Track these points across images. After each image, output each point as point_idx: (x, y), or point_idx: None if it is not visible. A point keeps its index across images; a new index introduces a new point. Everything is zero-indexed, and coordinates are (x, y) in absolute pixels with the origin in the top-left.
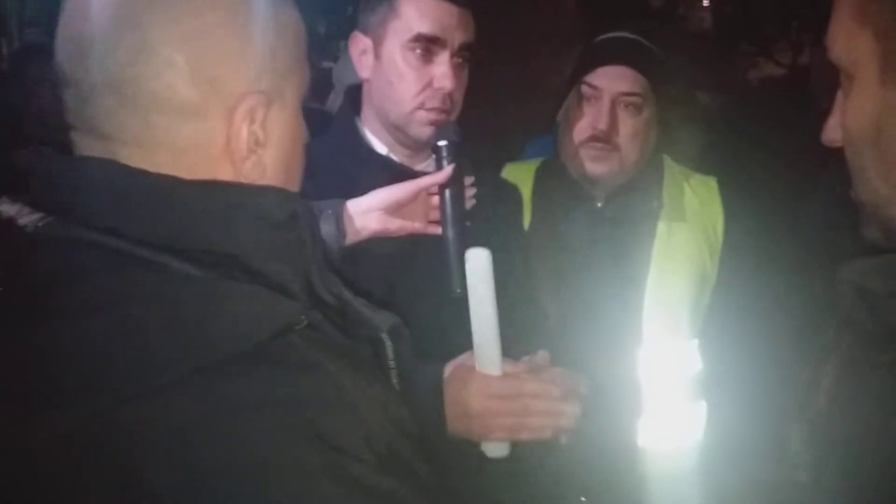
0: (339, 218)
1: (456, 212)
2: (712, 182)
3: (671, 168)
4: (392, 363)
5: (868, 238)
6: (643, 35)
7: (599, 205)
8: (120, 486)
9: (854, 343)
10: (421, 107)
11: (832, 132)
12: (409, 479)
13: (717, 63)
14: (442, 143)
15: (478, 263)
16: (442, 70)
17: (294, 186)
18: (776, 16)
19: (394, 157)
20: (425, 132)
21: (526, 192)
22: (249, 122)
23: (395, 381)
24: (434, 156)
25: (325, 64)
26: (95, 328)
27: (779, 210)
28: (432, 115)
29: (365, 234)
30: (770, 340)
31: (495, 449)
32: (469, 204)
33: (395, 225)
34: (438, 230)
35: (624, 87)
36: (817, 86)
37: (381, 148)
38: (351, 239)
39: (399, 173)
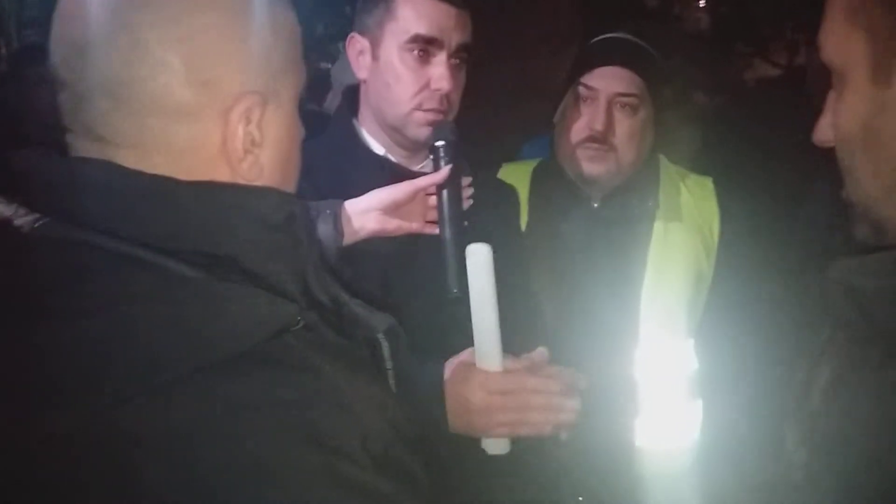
0: (337, 218)
1: (453, 212)
2: (708, 182)
3: (667, 168)
4: (389, 364)
5: (859, 237)
6: (639, 36)
7: (596, 205)
8: (120, 486)
9: (848, 342)
10: (418, 108)
11: (824, 132)
12: (407, 481)
13: (713, 63)
14: (439, 143)
15: (479, 259)
16: (439, 71)
17: (291, 186)
18: (772, 16)
19: (391, 158)
20: (423, 133)
21: (523, 192)
22: (245, 122)
23: (392, 382)
24: (431, 156)
25: (323, 65)
26: (95, 328)
27: (775, 210)
28: (430, 116)
29: (363, 234)
30: (766, 340)
31: (496, 446)
32: (466, 204)
33: (393, 225)
34: (436, 230)
35: (620, 88)
36: (813, 86)
37: (378, 148)
38: (349, 239)
39: (397, 174)
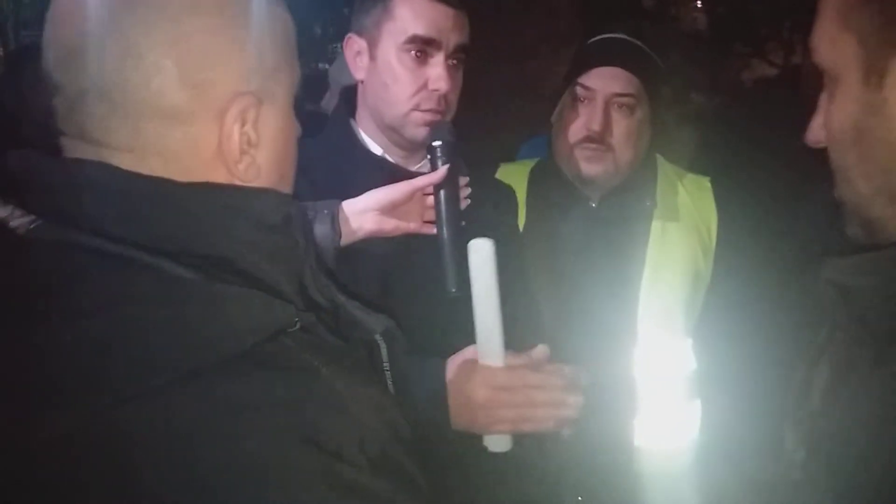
0: (334, 218)
1: (451, 212)
2: (706, 182)
3: (665, 168)
4: (386, 366)
5: (851, 236)
6: (637, 36)
7: (594, 205)
8: (119, 486)
9: (847, 342)
10: (416, 108)
11: (816, 133)
12: (404, 483)
13: (710, 63)
14: (436, 143)
15: (482, 254)
16: (437, 72)
17: (288, 185)
18: (769, 16)
19: (389, 158)
20: (420, 133)
21: (521, 192)
22: (241, 123)
23: (389, 383)
24: (428, 156)
25: (321, 65)
26: (94, 329)
27: (773, 209)
28: (427, 117)
29: (360, 234)
30: (765, 340)
31: (498, 443)
32: (464, 204)
33: (391, 225)
34: (434, 230)
35: (617, 88)
36: (809, 86)
37: (376, 148)
38: (346, 239)
39: (394, 174)
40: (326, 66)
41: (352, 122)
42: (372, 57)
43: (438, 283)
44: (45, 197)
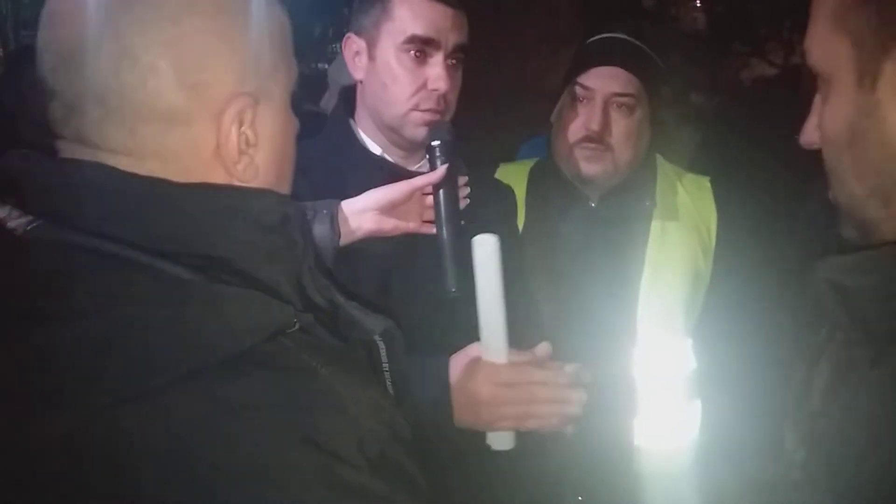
0: (333, 218)
1: (450, 211)
2: (705, 181)
3: (664, 167)
4: (385, 366)
5: (846, 236)
6: (636, 36)
7: (593, 205)
8: (119, 486)
9: (846, 341)
10: (415, 108)
11: (810, 134)
12: (403, 484)
13: (710, 63)
14: (435, 142)
15: (486, 249)
16: (436, 72)
17: (287, 183)
18: (769, 16)
19: (388, 158)
20: (419, 133)
21: (520, 192)
22: (239, 124)
23: (388, 383)
24: (427, 156)
25: (320, 65)
26: (94, 329)
27: (773, 209)
28: (427, 117)
29: (360, 234)
30: (765, 340)
31: (501, 441)
32: (463, 203)
33: (390, 225)
34: (433, 230)
35: (616, 88)
36: (809, 85)
37: (375, 148)
38: (346, 239)
39: (393, 173)
40: (325, 67)
41: (351, 122)
42: (371, 57)
43: (438, 283)
44: (43, 197)
